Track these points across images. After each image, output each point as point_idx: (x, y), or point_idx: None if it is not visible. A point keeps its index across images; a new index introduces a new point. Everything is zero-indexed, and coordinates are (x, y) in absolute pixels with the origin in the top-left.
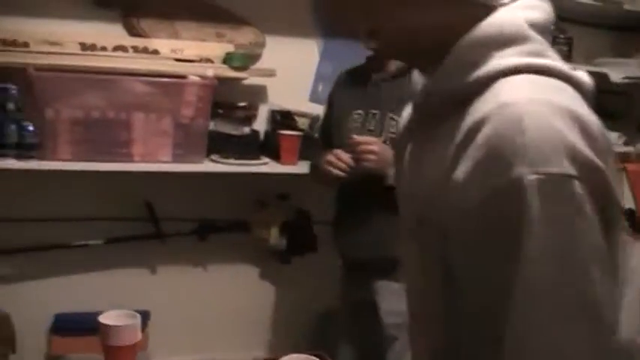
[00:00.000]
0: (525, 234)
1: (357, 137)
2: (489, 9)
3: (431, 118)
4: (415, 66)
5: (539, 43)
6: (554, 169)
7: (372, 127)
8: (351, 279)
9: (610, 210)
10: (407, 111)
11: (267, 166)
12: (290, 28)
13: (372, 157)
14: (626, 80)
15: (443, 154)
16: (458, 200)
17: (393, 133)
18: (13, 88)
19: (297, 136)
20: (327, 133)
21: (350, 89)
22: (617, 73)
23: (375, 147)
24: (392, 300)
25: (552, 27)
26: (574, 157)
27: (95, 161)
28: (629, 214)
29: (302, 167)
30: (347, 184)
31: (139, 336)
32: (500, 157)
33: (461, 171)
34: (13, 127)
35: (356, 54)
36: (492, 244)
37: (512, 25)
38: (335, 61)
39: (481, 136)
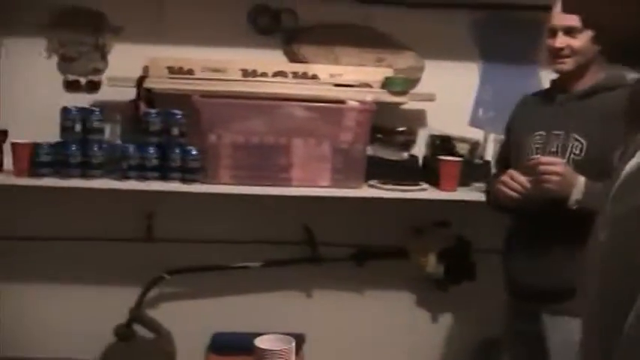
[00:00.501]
0: None
1: (539, 157)
2: None
3: None
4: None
5: None
6: None
7: (554, 149)
8: (518, 309)
9: None
10: None
11: (426, 192)
12: (449, 52)
13: (554, 178)
14: None
15: None
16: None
17: (576, 154)
18: (178, 114)
19: (458, 161)
20: (504, 158)
21: (532, 111)
22: None
23: (558, 168)
24: (562, 334)
25: None
26: None
27: (255, 185)
28: None
29: (461, 194)
30: (525, 207)
31: None
32: None
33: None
34: (177, 151)
35: (517, 78)
36: None
37: None
38: (496, 85)
39: None
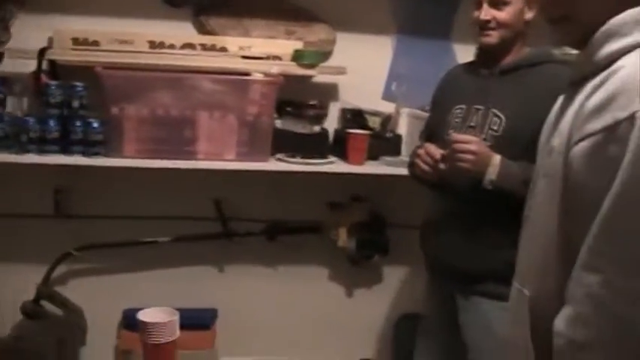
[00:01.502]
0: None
1: (455, 135)
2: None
3: (576, 85)
4: (577, 47)
5: None
6: None
7: (473, 123)
8: (435, 286)
9: None
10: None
11: (333, 165)
12: (363, 24)
13: (469, 157)
14: None
15: (580, 102)
16: (584, 126)
17: (494, 130)
18: (79, 86)
19: (366, 135)
20: (428, 131)
21: (456, 84)
22: None
23: (473, 146)
24: (476, 315)
25: None
26: None
27: (160, 159)
28: None
29: (370, 167)
30: (443, 183)
31: (177, 333)
32: (627, 93)
33: (593, 101)
34: (78, 124)
35: (432, 52)
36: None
37: None
38: (410, 57)
39: (618, 76)
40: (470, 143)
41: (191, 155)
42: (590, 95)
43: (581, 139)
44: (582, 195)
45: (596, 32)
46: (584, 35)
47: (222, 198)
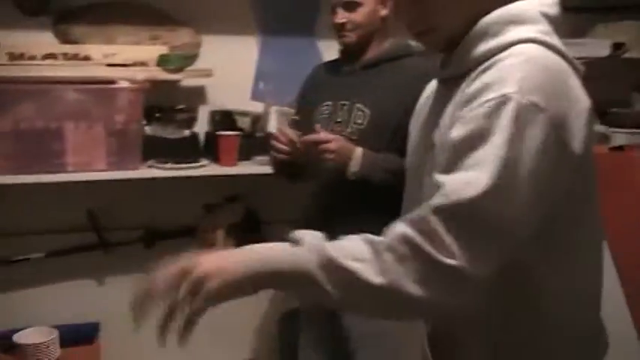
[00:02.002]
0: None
1: (312, 136)
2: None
3: (451, 84)
4: (446, 50)
5: (547, 27)
6: (535, 99)
7: (339, 119)
8: None
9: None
10: (429, 89)
11: (204, 168)
12: (227, 26)
13: (329, 155)
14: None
15: (458, 99)
16: (458, 113)
17: (359, 124)
18: None
19: (235, 136)
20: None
21: (321, 82)
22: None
23: (331, 145)
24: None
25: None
26: (553, 99)
27: (28, 174)
28: None
29: (242, 168)
30: (312, 177)
31: (58, 351)
32: (501, 81)
33: (469, 90)
34: None
35: (297, 50)
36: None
37: (530, 10)
38: (276, 56)
39: (496, 68)
40: (329, 142)
41: (60, 167)
42: (467, 88)
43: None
44: None
45: (468, 34)
46: (448, 40)
47: (96, 208)
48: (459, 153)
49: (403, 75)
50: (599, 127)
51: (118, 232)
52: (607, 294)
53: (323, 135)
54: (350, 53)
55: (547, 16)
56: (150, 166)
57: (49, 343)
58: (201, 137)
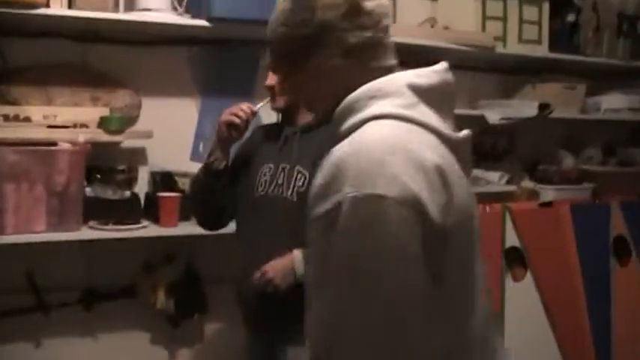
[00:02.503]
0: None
1: (253, 279)
2: (385, 73)
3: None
4: (324, 118)
5: (412, 99)
6: (369, 191)
7: (280, 181)
8: (254, 341)
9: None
10: None
11: (146, 229)
12: (166, 88)
13: (275, 282)
14: (503, 121)
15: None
16: (312, 206)
17: (300, 186)
18: None
19: (176, 197)
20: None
21: (262, 144)
22: (496, 114)
23: (269, 274)
24: None
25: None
26: (392, 185)
27: None
28: (514, 251)
29: (183, 228)
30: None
31: None
32: (340, 177)
33: (317, 183)
34: None
35: None
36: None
37: (393, 84)
38: (215, 118)
39: (332, 158)
40: (265, 274)
41: None
42: (319, 174)
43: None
44: None
45: (336, 110)
46: (328, 112)
47: (34, 270)
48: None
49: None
50: (528, 183)
51: (57, 293)
52: (538, 336)
53: (256, 275)
54: (288, 115)
55: (414, 88)
56: (91, 227)
57: None
58: (142, 198)
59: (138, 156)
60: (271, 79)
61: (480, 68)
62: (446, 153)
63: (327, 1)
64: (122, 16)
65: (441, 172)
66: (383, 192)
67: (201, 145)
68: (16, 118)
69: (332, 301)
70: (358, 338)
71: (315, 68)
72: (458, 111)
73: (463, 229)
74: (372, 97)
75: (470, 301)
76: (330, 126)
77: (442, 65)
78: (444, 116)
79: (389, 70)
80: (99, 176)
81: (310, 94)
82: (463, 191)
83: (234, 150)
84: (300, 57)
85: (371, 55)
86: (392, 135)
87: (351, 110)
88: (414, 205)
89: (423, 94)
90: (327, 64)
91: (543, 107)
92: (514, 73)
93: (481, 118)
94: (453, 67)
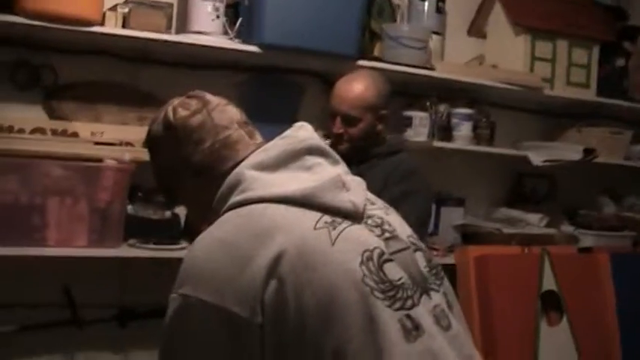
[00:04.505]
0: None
1: None
2: (230, 171)
3: None
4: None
5: (251, 180)
6: (180, 291)
7: None
8: None
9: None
10: None
11: (185, 250)
12: None
13: None
14: (547, 163)
15: None
16: None
17: None
18: None
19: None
20: None
21: None
22: (540, 156)
23: None
24: None
25: (300, 151)
26: (196, 282)
27: (7, 246)
28: (551, 295)
29: None
30: None
31: None
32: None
33: None
34: None
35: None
36: None
37: (234, 176)
38: None
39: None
40: None
41: (40, 242)
42: None
43: None
44: None
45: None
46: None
47: (72, 284)
48: None
49: (392, 169)
50: (567, 228)
51: (92, 309)
52: None
53: None
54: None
55: (260, 166)
56: (130, 245)
57: None
58: (182, 219)
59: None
60: (339, 128)
61: (525, 109)
62: (313, 223)
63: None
64: (174, 37)
65: (280, 259)
66: (187, 292)
67: None
68: (64, 133)
69: None
70: None
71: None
72: (501, 151)
73: (325, 302)
74: (225, 194)
75: None
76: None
77: (295, 126)
78: (322, 173)
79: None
80: (141, 195)
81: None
82: (339, 264)
83: None
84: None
85: (221, 161)
86: (230, 228)
87: (217, 211)
88: (219, 310)
89: (271, 165)
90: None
91: (588, 152)
92: (560, 116)
93: (524, 160)
94: (498, 107)
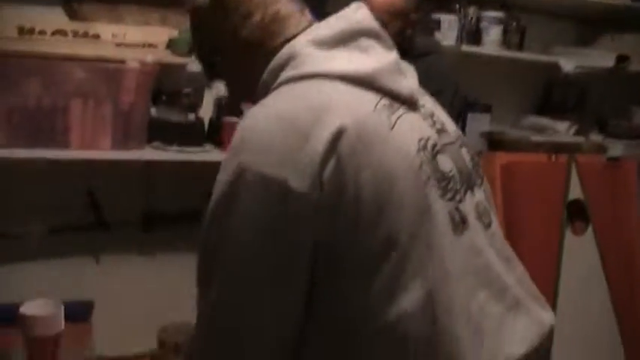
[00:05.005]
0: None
1: None
2: (281, 47)
3: None
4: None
5: (305, 56)
6: (235, 160)
7: None
8: None
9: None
10: None
11: (209, 154)
12: None
13: None
14: (578, 70)
15: None
16: None
17: None
18: None
19: None
20: None
21: None
22: (571, 62)
23: None
24: None
25: (357, 32)
26: (254, 152)
27: (31, 148)
28: (576, 204)
29: None
30: None
31: (61, 326)
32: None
33: None
34: None
35: None
36: None
37: (286, 51)
38: None
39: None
40: None
41: (64, 145)
42: None
43: None
44: None
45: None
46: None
47: (97, 187)
48: None
49: (423, 70)
50: (596, 137)
51: (117, 213)
52: (593, 292)
53: None
54: None
55: (320, 42)
56: (154, 148)
57: (54, 317)
58: (206, 122)
59: (204, 80)
60: None
61: (557, 14)
62: (372, 105)
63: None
64: None
65: (339, 137)
66: (245, 161)
67: None
68: (85, 34)
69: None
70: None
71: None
72: (531, 57)
73: (399, 195)
74: (277, 68)
75: (418, 274)
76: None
77: (352, 6)
78: (378, 56)
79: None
80: (165, 98)
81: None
82: (398, 149)
83: None
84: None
85: (270, 37)
86: (287, 101)
87: (266, 85)
88: (277, 183)
89: (326, 42)
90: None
91: (621, 59)
92: (593, 22)
93: (554, 66)
94: (529, 11)
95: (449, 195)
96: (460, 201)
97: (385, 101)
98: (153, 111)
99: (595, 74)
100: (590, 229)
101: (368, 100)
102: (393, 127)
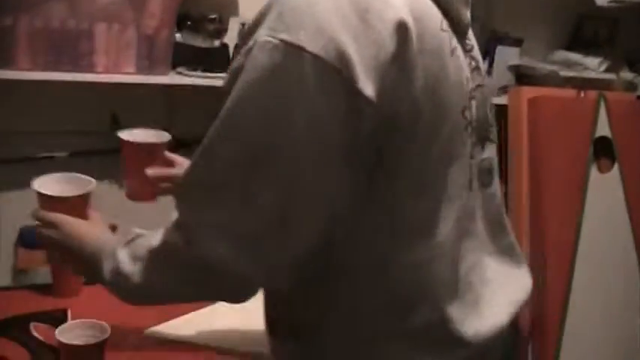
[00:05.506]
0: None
1: None
2: None
3: None
4: None
5: None
6: (288, 38)
7: None
8: None
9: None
10: None
11: None
12: None
13: None
14: (613, 4)
15: None
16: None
17: None
18: None
19: None
20: None
21: None
22: None
23: None
24: None
25: None
26: (319, 34)
27: (56, 71)
28: (603, 141)
29: None
30: None
31: None
32: (261, 19)
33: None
34: None
35: None
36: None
37: None
38: None
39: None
40: None
41: (89, 68)
42: None
43: None
44: None
45: None
46: None
47: (120, 111)
48: None
49: None
50: (627, 74)
51: None
52: (616, 232)
53: None
54: None
55: None
56: (178, 73)
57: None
58: (231, 49)
59: (229, 6)
60: None
61: None
62: (438, 21)
63: None
64: None
65: (404, 31)
66: (304, 45)
67: None
68: None
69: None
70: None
71: None
72: None
73: (439, 115)
74: None
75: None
76: None
77: None
78: None
79: None
80: (189, 23)
81: None
82: (454, 83)
83: None
84: None
85: None
86: None
87: None
88: (338, 67)
89: None
90: None
91: None
92: None
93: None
94: None
95: (469, 144)
96: (472, 157)
97: (446, 25)
98: (178, 36)
99: (628, 8)
100: (616, 167)
101: (435, 14)
102: (452, 55)
